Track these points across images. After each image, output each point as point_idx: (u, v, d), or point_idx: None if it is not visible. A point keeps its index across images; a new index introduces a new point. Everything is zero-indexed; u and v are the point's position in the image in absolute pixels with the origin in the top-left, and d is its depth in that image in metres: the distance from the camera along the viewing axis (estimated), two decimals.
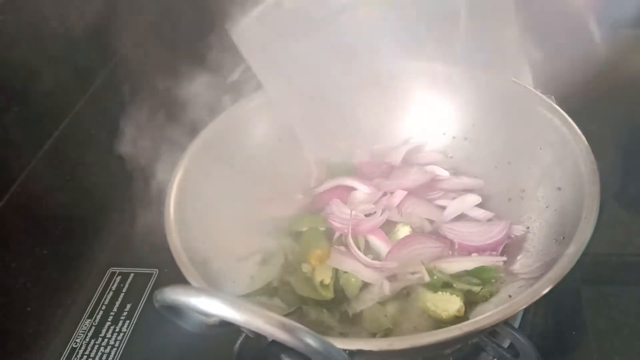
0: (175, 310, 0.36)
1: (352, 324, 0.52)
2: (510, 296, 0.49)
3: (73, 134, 0.85)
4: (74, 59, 0.88)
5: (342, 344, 0.37)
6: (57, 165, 0.82)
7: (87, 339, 0.59)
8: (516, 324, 0.54)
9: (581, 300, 0.55)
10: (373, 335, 0.50)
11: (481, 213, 0.59)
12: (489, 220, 0.58)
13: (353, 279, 0.55)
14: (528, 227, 0.55)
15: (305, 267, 0.56)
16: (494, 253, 0.55)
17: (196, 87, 0.93)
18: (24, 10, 0.79)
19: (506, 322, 0.49)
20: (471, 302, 0.51)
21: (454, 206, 0.59)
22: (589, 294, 0.58)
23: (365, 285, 0.55)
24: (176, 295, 0.31)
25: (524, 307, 0.39)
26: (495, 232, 0.55)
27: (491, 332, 0.51)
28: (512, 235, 0.56)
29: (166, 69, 0.98)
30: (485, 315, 0.39)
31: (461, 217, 0.60)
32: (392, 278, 0.55)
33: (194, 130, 0.60)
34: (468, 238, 0.56)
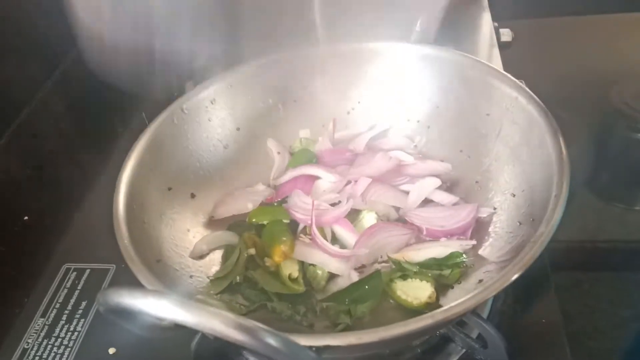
0: (124, 313, 0.33)
1: (318, 317, 0.50)
2: (480, 281, 0.48)
3: (34, 125, 0.82)
4: (37, 44, 0.85)
5: (308, 340, 0.35)
6: (16, 158, 0.78)
7: (40, 339, 0.56)
8: (484, 314, 0.53)
9: (552, 287, 0.54)
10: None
11: (446, 197, 0.58)
12: (455, 204, 0.57)
13: (320, 272, 0.53)
14: (495, 209, 0.54)
15: (269, 262, 0.54)
16: (463, 237, 0.54)
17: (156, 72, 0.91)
18: None
19: (474, 312, 0.48)
20: (442, 285, 0.50)
21: (416, 191, 0.58)
22: (560, 280, 0.58)
23: (332, 277, 0.53)
24: (121, 298, 0.29)
25: (496, 292, 0.38)
26: (462, 216, 0.54)
27: (459, 322, 0.49)
28: (481, 218, 0.55)
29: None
30: (455, 303, 0.37)
31: (427, 203, 0.59)
32: (360, 269, 0.53)
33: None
34: (435, 223, 0.55)
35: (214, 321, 0.27)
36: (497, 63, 0.79)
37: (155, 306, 0.28)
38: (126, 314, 0.33)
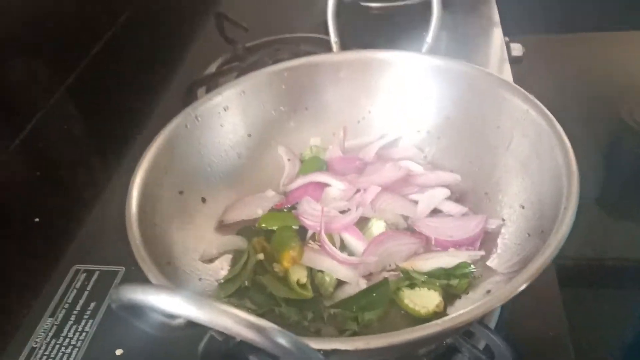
0: (135, 310, 0.33)
1: (325, 324, 0.50)
2: (488, 291, 0.48)
3: (46, 128, 0.83)
4: (51, 50, 0.86)
5: (317, 343, 0.35)
6: (28, 159, 0.80)
7: (48, 339, 0.56)
8: (492, 325, 0.53)
9: (559, 302, 0.54)
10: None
11: (455, 207, 0.58)
12: (464, 215, 0.57)
13: (328, 278, 0.53)
14: (504, 220, 0.54)
15: (277, 267, 0.54)
16: (471, 248, 0.54)
17: (171, 81, 0.93)
18: None
19: (482, 323, 0.48)
20: (450, 295, 0.50)
21: (425, 201, 0.58)
22: (567, 296, 0.58)
23: (340, 284, 0.53)
24: (133, 294, 0.29)
25: (504, 302, 0.38)
26: (471, 227, 0.54)
27: (466, 332, 0.49)
28: (489, 229, 0.55)
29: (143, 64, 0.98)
30: (464, 311, 0.37)
31: (436, 213, 0.59)
32: (368, 276, 0.53)
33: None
34: (444, 233, 0.55)
35: (225, 319, 0.27)
36: (507, 77, 0.79)
37: (168, 302, 0.28)
38: (137, 311, 0.33)
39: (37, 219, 0.71)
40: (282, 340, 0.28)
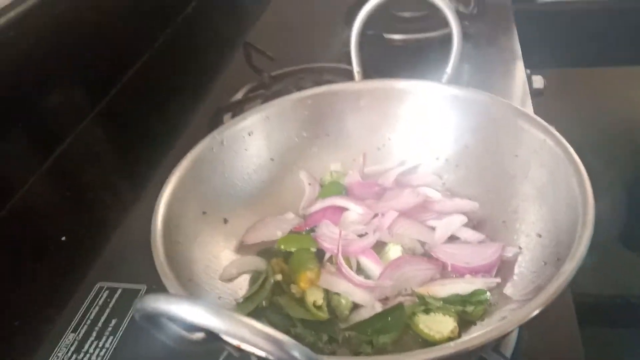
0: (157, 322, 0.34)
1: (340, 346, 0.51)
2: (504, 318, 0.48)
3: (77, 150, 0.86)
4: (84, 74, 0.90)
5: None
6: (58, 180, 0.83)
7: (69, 354, 0.58)
8: (508, 354, 0.53)
9: (578, 339, 0.53)
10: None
11: (472, 235, 0.58)
12: (481, 242, 0.58)
13: (344, 301, 0.54)
14: (521, 248, 0.55)
15: (295, 289, 0.55)
16: (487, 275, 0.54)
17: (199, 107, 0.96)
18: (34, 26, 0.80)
19: (497, 350, 0.48)
20: (465, 322, 0.50)
21: (443, 227, 0.59)
22: (589, 334, 0.57)
23: (355, 307, 0.54)
24: (157, 303, 0.30)
25: (518, 325, 0.38)
26: (488, 254, 0.55)
27: (480, 358, 0.50)
28: (506, 257, 0.55)
29: (172, 91, 1.01)
30: (477, 334, 0.37)
31: (453, 240, 0.59)
32: (383, 300, 0.54)
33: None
34: (461, 259, 0.56)
35: (243, 329, 0.28)
36: (529, 109, 0.80)
37: (189, 311, 0.29)
38: (159, 323, 0.35)
39: (64, 238, 0.73)
40: (299, 355, 0.29)
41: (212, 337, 0.39)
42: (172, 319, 0.30)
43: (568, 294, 0.56)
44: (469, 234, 0.58)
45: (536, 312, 0.39)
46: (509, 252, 0.55)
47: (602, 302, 0.69)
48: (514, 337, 0.54)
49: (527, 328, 0.54)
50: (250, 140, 0.64)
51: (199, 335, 0.38)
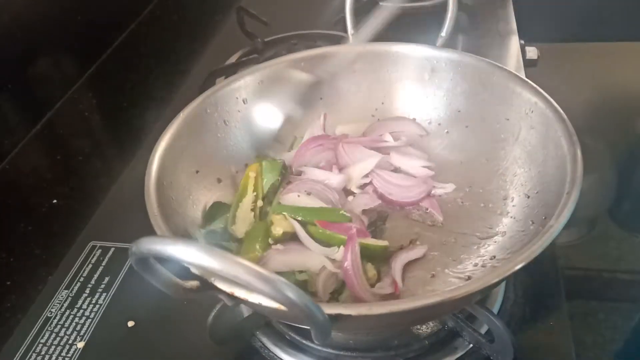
0: (151, 268, 0.35)
1: None
2: (494, 257, 0.49)
3: (67, 115, 0.86)
4: (74, 39, 0.89)
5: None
6: (48, 144, 0.83)
7: (63, 309, 0.58)
8: (495, 310, 0.54)
9: (568, 315, 0.54)
10: None
11: (421, 169, 0.61)
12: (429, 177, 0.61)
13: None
14: (509, 212, 0.56)
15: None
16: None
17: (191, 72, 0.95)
18: None
19: (484, 306, 0.49)
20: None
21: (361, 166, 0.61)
22: (577, 308, 0.58)
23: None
24: (152, 244, 0.31)
25: (504, 276, 0.39)
26: (414, 193, 0.59)
27: (469, 316, 0.51)
28: (436, 195, 0.59)
29: (163, 56, 1.01)
30: (464, 284, 0.38)
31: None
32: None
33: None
34: (388, 190, 0.59)
35: (237, 268, 0.29)
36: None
37: (184, 252, 0.30)
38: (154, 268, 0.35)
39: (55, 201, 0.74)
40: (290, 293, 0.30)
41: (205, 285, 0.40)
42: (168, 259, 0.31)
43: (556, 267, 0.57)
44: (420, 169, 0.62)
45: (520, 265, 0.39)
46: (439, 192, 0.60)
47: (590, 275, 0.70)
48: (499, 297, 0.55)
49: (515, 295, 0.55)
50: (244, 102, 0.64)
51: (193, 283, 0.39)
